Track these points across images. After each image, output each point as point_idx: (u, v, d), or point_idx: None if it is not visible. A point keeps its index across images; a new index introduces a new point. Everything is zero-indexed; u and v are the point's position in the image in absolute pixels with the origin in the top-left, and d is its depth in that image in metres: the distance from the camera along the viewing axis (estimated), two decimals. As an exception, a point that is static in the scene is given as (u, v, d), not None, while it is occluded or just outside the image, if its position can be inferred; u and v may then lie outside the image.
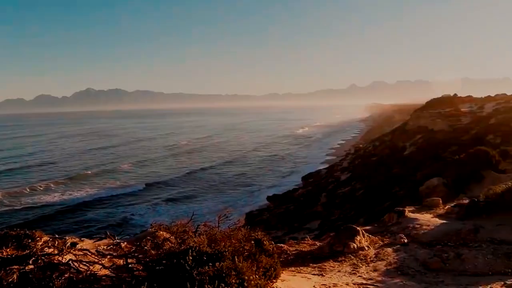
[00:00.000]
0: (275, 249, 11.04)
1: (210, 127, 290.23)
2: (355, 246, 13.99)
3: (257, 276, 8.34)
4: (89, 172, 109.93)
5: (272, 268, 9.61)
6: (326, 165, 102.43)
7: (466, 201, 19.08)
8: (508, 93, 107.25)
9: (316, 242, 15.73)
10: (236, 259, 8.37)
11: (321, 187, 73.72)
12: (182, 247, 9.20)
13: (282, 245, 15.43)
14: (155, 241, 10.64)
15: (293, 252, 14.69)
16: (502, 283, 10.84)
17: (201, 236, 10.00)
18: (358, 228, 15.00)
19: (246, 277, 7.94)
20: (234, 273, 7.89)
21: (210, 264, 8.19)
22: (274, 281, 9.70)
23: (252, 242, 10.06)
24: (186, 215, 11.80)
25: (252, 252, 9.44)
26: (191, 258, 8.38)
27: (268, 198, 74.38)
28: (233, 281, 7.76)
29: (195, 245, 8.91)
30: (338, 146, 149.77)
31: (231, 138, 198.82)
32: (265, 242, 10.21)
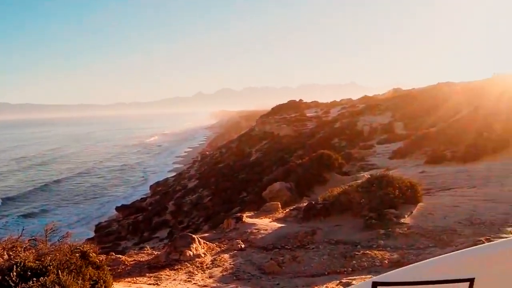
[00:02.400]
0: (104, 260, 10.81)
1: (59, 138, 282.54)
2: (191, 253, 13.90)
3: (83, 289, 8.14)
4: None
5: (102, 280, 9.41)
6: (174, 173, 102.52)
7: (305, 204, 19.38)
8: (354, 98, 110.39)
9: (154, 252, 15.60)
10: (60, 273, 8.14)
11: (169, 195, 73.62)
12: (10, 263, 8.89)
13: (120, 256, 15.18)
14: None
15: (131, 262, 14.46)
16: (338, 281, 11.02)
17: (28, 251, 9.69)
18: (194, 235, 14.94)
19: (71, 291, 7.73)
20: (58, 287, 7.66)
21: (35, 279, 7.92)
22: (105, 293, 9.51)
23: (77, 255, 9.85)
24: (37, 230, 11.39)
25: (78, 265, 9.22)
26: (15, 274, 8.09)
27: (117, 208, 73.44)
28: (57, 295, 7.54)
29: (20, 260, 8.61)
30: (186, 154, 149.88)
31: (81, 149, 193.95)
32: (91, 254, 10.00)
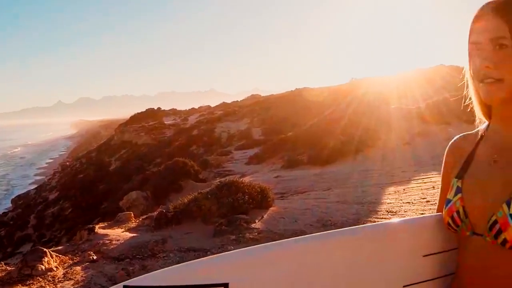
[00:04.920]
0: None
1: None
2: (43, 268, 13.79)
3: None
4: None
5: None
6: (36, 185, 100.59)
7: (157, 212, 19.49)
8: (212, 105, 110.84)
9: (8, 267, 15.42)
10: None
11: (30, 208, 72.14)
12: None
13: (-28, 274, 14.95)
14: None
15: (-17, 280, 14.28)
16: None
17: None
18: (45, 249, 14.83)
19: None
20: None
21: None
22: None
23: None
24: None
25: None
26: None
27: (-22, 224, 71.64)
28: None
29: None
30: (47, 165, 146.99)
31: None
32: None
